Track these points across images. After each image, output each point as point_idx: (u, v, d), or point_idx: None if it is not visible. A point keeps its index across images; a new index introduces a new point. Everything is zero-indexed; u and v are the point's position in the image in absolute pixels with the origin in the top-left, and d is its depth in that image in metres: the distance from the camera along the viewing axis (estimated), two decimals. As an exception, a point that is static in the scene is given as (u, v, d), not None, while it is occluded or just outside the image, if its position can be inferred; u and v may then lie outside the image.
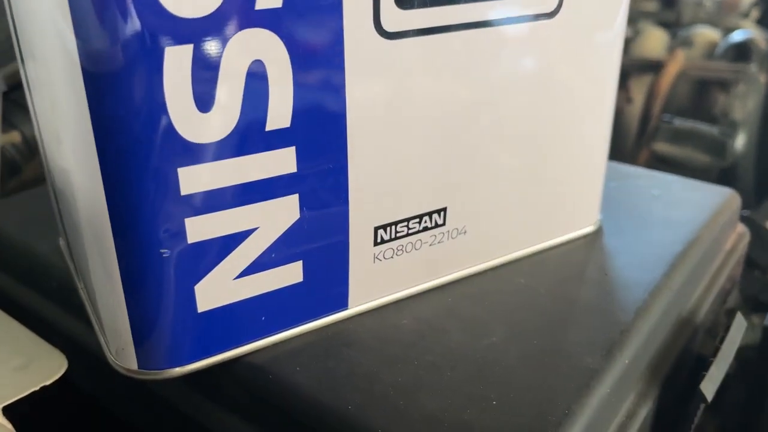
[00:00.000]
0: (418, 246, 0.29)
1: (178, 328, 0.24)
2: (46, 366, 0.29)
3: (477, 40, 0.26)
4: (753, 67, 0.90)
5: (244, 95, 0.22)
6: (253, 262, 0.25)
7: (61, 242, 0.33)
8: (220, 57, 0.21)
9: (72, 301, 0.31)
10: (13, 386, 0.28)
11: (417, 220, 0.28)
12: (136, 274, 0.23)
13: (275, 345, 0.26)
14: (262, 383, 0.25)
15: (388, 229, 0.28)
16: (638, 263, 0.32)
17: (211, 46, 0.21)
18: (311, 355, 0.26)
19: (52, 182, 0.29)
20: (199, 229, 0.23)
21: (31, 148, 0.45)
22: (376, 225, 0.27)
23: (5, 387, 0.28)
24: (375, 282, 0.28)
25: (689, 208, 0.38)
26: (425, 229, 0.29)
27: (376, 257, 0.28)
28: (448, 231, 0.29)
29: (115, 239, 0.23)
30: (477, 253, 0.31)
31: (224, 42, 0.21)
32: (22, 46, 0.27)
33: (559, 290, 0.30)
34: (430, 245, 0.29)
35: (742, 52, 0.93)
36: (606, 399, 0.25)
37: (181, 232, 0.23)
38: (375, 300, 0.29)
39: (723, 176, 0.88)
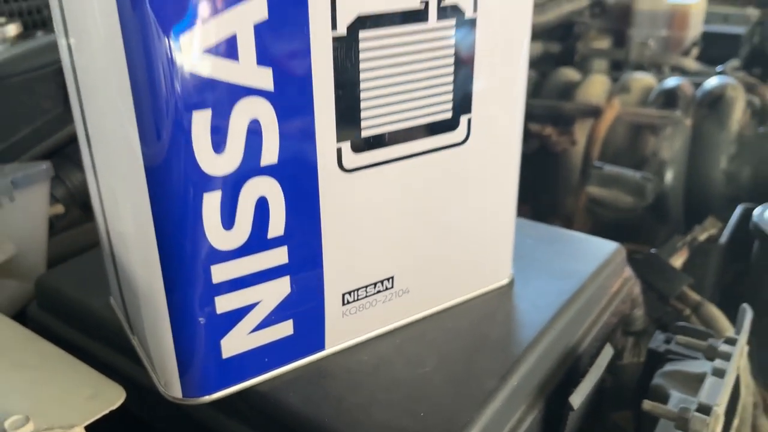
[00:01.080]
0: (374, 303, 0.41)
1: (209, 368, 0.36)
2: (110, 395, 0.41)
3: (409, 165, 0.38)
4: (679, 113, 1.03)
5: (253, 219, 0.34)
6: (259, 323, 0.36)
7: (112, 300, 0.45)
8: (238, 195, 0.33)
9: (125, 345, 0.42)
10: (88, 410, 0.39)
11: (372, 286, 0.40)
12: (181, 330, 0.35)
13: (274, 377, 0.38)
14: (266, 404, 0.37)
15: (353, 293, 0.39)
16: (535, 308, 0.44)
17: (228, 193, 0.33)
18: (299, 384, 0.38)
19: (111, 248, 0.40)
20: (224, 303, 0.35)
21: (71, 218, 0.57)
22: (343, 292, 0.39)
23: (83, 411, 0.39)
24: (344, 330, 0.40)
25: (583, 260, 0.50)
26: (378, 291, 0.41)
27: (344, 313, 0.40)
28: (396, 291, 0.41)
29: (168, 307, 0.34)
30: (417, 306, 0.43)
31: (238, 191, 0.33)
32: (91, 139, 0.38)
33: (476, 330, 0.42)
34: (383, 302, 0.41)
35: (670, 98, 1.07)
36: (499, 410, 0.37)
37: (212, 306, 0.34)
38: (344, 343, 0.41)
39: (654, 209, 1.01)
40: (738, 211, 0.79)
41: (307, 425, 0.35)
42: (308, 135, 0.34)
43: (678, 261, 0.72)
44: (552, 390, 0.41)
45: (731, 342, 0.45)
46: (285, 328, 0.38)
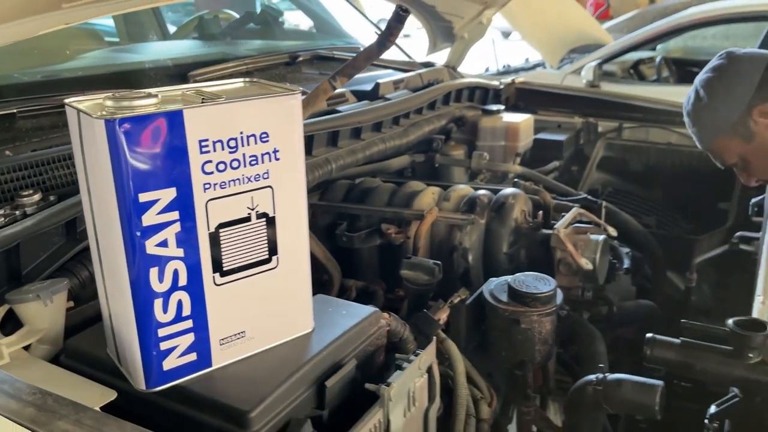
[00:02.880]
0: (235, 344, 0.87)
1: (158, 375, 0.82)
2: (105, 393, 0.85)
3: (248, 280, 0.86)
4: (475, 215, 1.54)
5: (176, 308, 0.80)
6: (179, 355, 0.82)
7: (108, 350, 0.90)
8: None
9: (117, 372, 0.87)
10: (99, 399, 0.84)
11: (234, 335, 0.87)
12: (145, 358, 0.81)
13: (187, 379, 0.84)
14: (183, 390, 0.82)
15: (224, 339, 0.86)
16: (320, 341, 0.91)
17: (167, 297, 0.79)
18: (198, 381, 0.83)
19: (110, 316, 0.85)
20: (164, 346, 0.81)
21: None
22: (219, 338, 0.85)
23: (93, 401, 0.83)
24: (220, 357, 0.86)
25: (351, 317, 0.97)
26: (237, 338, 0.87)
27: (220, 349, 0.86)
28: (247, 337, 0.88)
29: (140, 348, 0.80)
30: (258, 345, 0.90)
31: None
32: (101, 256, 0.84)
33: (288, 353, 0.89)
34: (239, 343, 0.88)
35: (472, 204, 1.58)
36: (287, 390, 0.83)
37: (158, 347, 0.80)
38: (221, 364, 0.87)
39: (461, 280, 1.50)
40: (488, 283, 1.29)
41: (209, 402, 0.81)
42: (199, 272, 0.81)
43: (443, 315, 1.20)
44: (321, 380, 0.88)
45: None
46: (192, 357, 0.83)
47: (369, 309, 1.01)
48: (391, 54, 1.97)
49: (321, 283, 1.52)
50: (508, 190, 1.64)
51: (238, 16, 2.52)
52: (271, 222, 0.85)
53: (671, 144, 2.32)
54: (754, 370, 0.93)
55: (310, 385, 0.87)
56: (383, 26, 1.31)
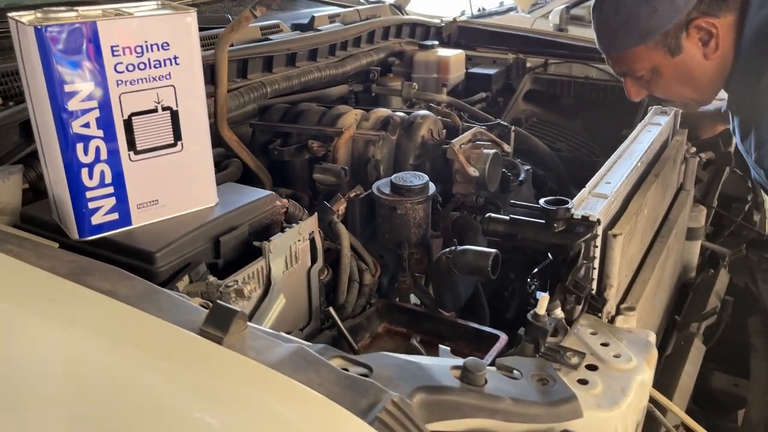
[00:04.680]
0: (148, 210, 1.13)
1: (87, 228, 1.08)
2: (49, 244, 1.11)
3: (157, 159, 1.11)
4: (387, 132, 1.79)
5: (100, 176, 1.06)
6: (105, 213, 1.08)
7: (53, 214, 1.15)
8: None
9: (60, 230, 1.13)
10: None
11: (148, 202, 1.12)
12: (78, 216, 1.07)
13: (111, 233, 1.10)
14: (108, 239, 1.08)
15: (140, 204, 1.12)
16: (221, 212, 1.17)
17: (92, 167, 1.05)
18: (119, 234, 1.09)
19: (49, 182, 1.11)
20: (93, 205, 1.07)
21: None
22: (137, 203, 1.11)
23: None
24: (139, 219, 1.12)
25: (250, 196, 1.23)
26: (150, 204, 1.13)
27: (138, 212, 1.12)
28: (160, 205, 1.14)
29: (73, 209, 1.06)
30: (169, 212, 1.16)
31: (95, 166, 1.05)
32: (42, 140, 1.09)
33: (193, 219, 1.15)
34: (152, 209, 1.14)
35: (386, 123, 1.82)
36: (188, 240, 1.10)
37: (87, 206, 1.06)
38: (139, 224, 1.13)
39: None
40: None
41: (119, 244, 1.07)
42: (116, 149, 1.06)
43: (340, 206, 1.46)
44: (219, 235, 1.14)
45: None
46: (115, 216, 1.09)
47: (266, 192, 1.27)
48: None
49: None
50: (420, 112, 1.88)
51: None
52: (174, 114, 1.10)
53: (589, 78, 2.55)
54: (558, 236, 1.20)
55: (208, 240, 1.13)
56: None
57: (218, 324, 0.77)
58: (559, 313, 1.09)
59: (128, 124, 1.06)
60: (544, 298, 0.97)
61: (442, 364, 0.83)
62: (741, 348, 1.82)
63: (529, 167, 2.01)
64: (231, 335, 0.77)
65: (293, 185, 1.90)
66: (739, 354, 1.80)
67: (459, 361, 0.83)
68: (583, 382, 0.92)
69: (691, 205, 1.95)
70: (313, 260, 1.26)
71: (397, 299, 1.49)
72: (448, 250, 1.35)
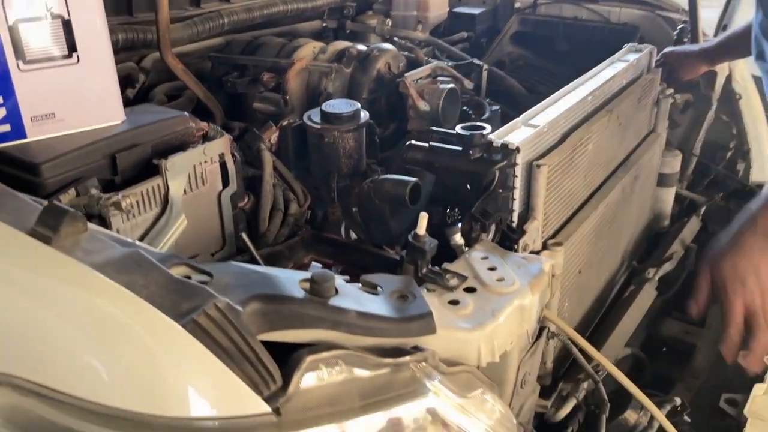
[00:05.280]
0: (44, 122, 1.11)
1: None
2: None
3: (52, 71, 1.08)
4: (341, 64, 1.73)
5: (-14, 85, 1.03)
6: None
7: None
8: None
9: None
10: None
11: (42, 115, 1.10)
12: None
13: (8, 145, 1.08)
14: (2, 152, 1.07)
15: (34, 117, 1.09)
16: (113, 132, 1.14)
17: None
18: (13, 147, 1.07)
19: None
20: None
21: None
22: (30, 115, 1.09)
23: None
24: (35, 133, 1.10)
25: (165, 115, 1.20)
26: (44, 118, 1.10)
27: (33, 126, 1.09)
28: (57, 119, 1.11)
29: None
30: (70, 127, 1.13)
31: None
32: None
33: (80, 139, 1.12)
34: (46, 123, 1.11)
35: (341, 55, 1.76)
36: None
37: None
38: (33, 138, 1.10)
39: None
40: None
41: (9, 156, 1.05)
42: (3, 57, 1.03)
43: (272, 135, 1.42)
44: (118, 152, 1.11)
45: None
46: (6, 128, 1.07)
47: (179, 112, 1.23)
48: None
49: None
50: (378, 45, 1.81)
51: None
52: (67, 24, 1.06)
53: (578, 19, 2.43)
54: (473, 163, 1.15)
55: (105, 156, 1.10)
56: None
57: (49, 224, 0.74)
58: (458, 239, 1.04)
59: (14, 31, 1.03)
60: (422, 217, 0.92)
61: (292, 276, 0.80)
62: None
63: (497, 107, 1.93)
64: (62, 236, 0.75)
65: (248, 118, 1.86)
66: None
67: (309, 275, 0.79)
68: (454, 302, 0.88)
69: (662, 150, 1.86)
70: (225, 184, 1.22)
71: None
72: (371, 179, 1.30)
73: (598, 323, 1.59)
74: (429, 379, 0.75)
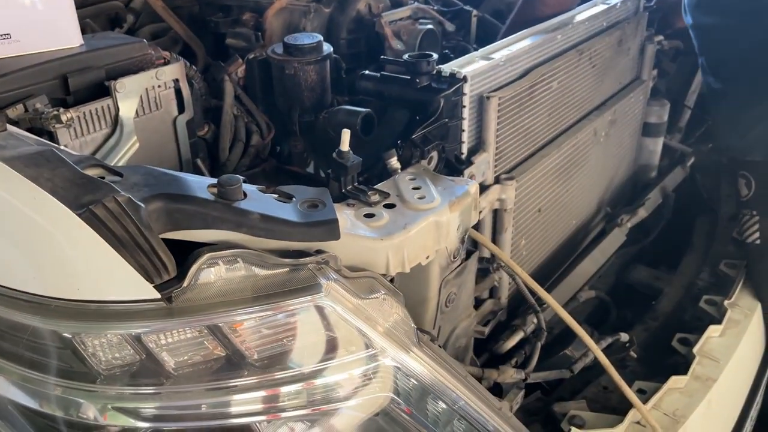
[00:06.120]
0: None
1: None
2: None
3: None
4: (321, 4, 1.72)
5: None
6: None
7: None
8: None
9: None
10: None
11: (6, 35, 1.13)
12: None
13: None
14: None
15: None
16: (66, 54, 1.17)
17: None
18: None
19: None
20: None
21: None
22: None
23: None
24: (-8, 52, 1.13)
25: (113, 42, 1.22)
26: (4, 39, 1.14)
27: None
28: (20, 45, 1.14)
29: None
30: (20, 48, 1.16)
31: None
32: None
33: (34, 59, 1.15)
34: (16, 44, 1.14)
35: (321, -4, 1.76)
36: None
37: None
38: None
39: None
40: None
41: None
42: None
43: (238, 68, 1.44)
44: (70, 73, 1.14)
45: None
46: (-36, 46, 1.11)
47: (137, 39, 1.25)
48: None
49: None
50: (355, -15, 1.80)
51: None
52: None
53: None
54: (419, 92, 1.15)
55: (57, 76, 1.13)
56: None
57: (-35, 121, 0.78)
58: (394, 162, 1.05)
59: (-36, -51, 1.05)
60: (345, 132, 0.93)
61: (202, 181, 0.82)
62: (683, 247, 1.73)
63: (481, 52, 1.91)
64: (-23, 133, 0.78)
65: (229, 57, 1.88)
66: (678, 253, 1.71)
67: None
68: (369, 215, 0.89)
69: (646, 98, 1.82)
70: (180, 110, 1.25)
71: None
72: (326, 110, 1.31)
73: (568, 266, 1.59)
74: (325, 279, 0.77)
